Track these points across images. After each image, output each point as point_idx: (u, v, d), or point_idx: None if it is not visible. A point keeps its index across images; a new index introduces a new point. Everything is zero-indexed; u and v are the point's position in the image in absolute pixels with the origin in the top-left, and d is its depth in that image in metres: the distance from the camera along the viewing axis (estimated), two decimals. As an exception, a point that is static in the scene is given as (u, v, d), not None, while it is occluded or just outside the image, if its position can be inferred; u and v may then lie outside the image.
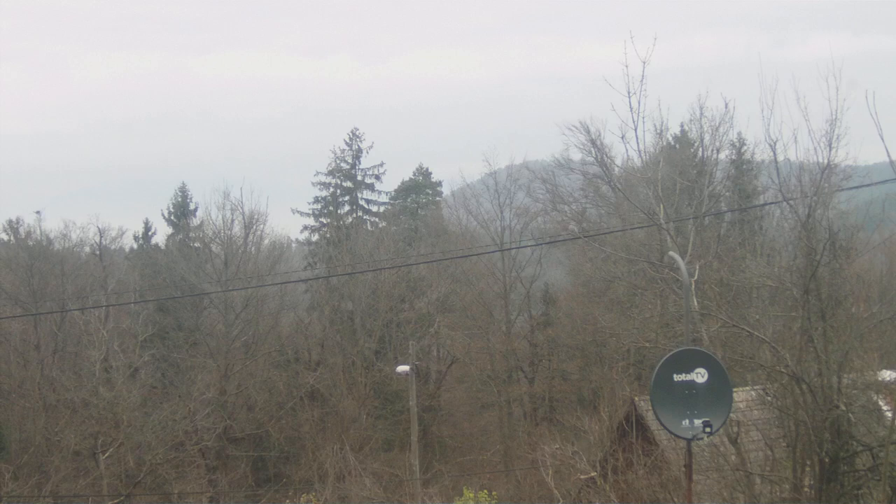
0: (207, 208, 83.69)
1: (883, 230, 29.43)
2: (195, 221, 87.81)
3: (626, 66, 31.41)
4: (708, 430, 17.85)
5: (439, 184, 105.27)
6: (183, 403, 60.39)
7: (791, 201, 27.49)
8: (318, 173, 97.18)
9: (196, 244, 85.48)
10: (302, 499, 51.87)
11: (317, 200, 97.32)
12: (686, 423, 17.95)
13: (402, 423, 69.80)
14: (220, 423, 63.05)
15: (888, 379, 26.78)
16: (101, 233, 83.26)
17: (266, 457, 70.49)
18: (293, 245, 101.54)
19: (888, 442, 24.47)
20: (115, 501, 55.99)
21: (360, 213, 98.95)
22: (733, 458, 26.64)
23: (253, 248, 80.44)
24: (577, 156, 78.28)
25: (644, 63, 31.09)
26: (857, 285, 28.02)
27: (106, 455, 55.84)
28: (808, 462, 25.22)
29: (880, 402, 26.78)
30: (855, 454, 25.35)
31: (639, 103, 32.24)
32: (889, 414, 25.61)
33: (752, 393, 28.16)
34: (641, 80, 31.52)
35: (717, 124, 59.96)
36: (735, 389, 20.86)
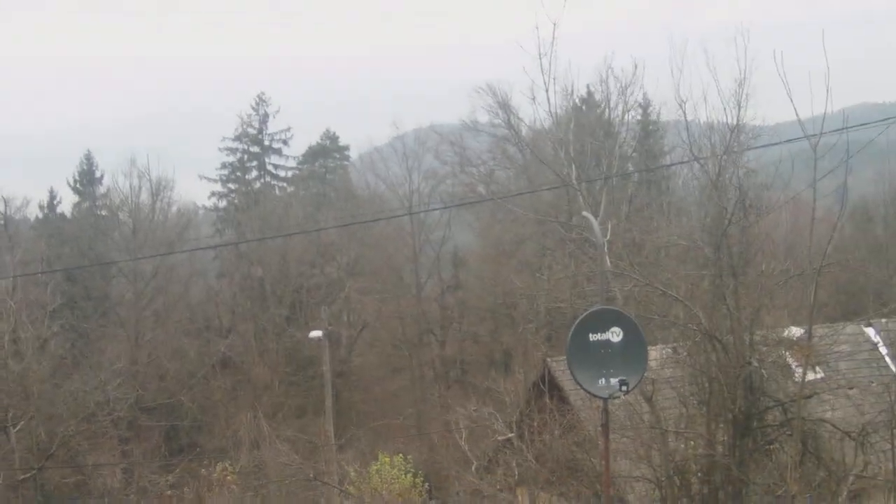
0: (114, 176, 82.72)
1: (789, 189, 29.71)
2: (102, 189, 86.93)
3: (537, 28, 31.52)
4: (624, 388, 17.91)
5: (347, 148, 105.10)
6: (94, 374, 59.76)
7: (701, 160, 27.72)
8: (224, 139, 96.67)
9: (103, 212, 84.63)
10: (217, 467, 51.76)
11: (224, 166, 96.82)
12: (602, 382, 17.99)
13: (315, 388, 69.78)
14: (131, 392, 62.48)
15: (797, 335, 27.08)
16: (6, 202, 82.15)
17: (179, 426, 70.11)
18: (201, 212, 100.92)
19: (799, 397, 24.85)
20: (28, 475, 55.45)
21: (268, 179, 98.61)
22: (648, 416, 26.83)
23: (161, 216, 79.94)
24: (484, 118, 78.43)
25: (554, 24, 31.17)
26: (766, 243, 28.27)
27: (17, 429, 55.11)
28: (722, 418, 25.52)
29: (790, 359, 27.12)
30: (767, 409, 25.67)
31: (549, 65, 32.36)
32: (799, 370, 25.95)
33: (666, 351, 28.40)
34: (552, 42, 31.61)
35: (626, 85, 60.46)
36: (649, 348, 21.00)
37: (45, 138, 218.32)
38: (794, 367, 26.83)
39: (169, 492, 54.64)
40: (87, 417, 57.74)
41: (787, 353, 26.88)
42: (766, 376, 25.33)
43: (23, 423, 55.27)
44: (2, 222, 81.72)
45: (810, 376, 26.05)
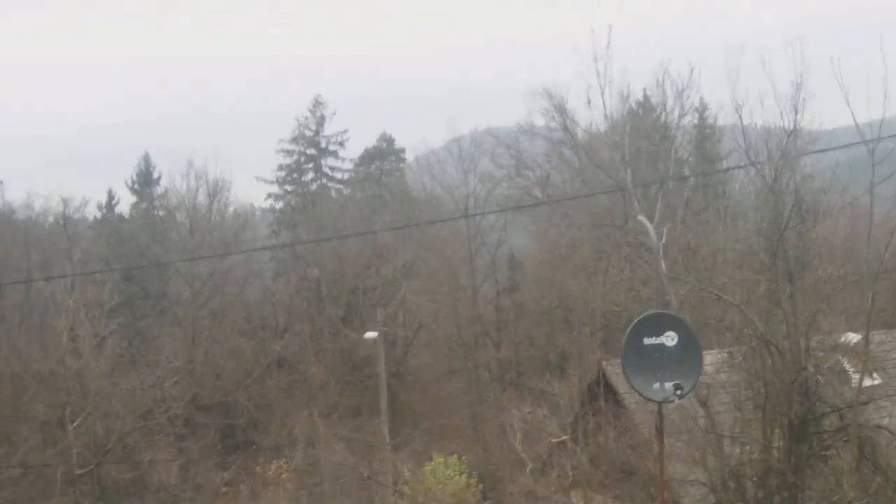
0: (171, 177, 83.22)
1: (847, 194, 29.62)
2: (159, 190, 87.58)
3: (593, 31, 31.56)
4: (678, 392, 17.90)
5: (403, 150, 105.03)
6: (151, 372, 60.28)
7: (758, 165, 27.68)
8: (281, 141, 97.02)
9: (161, 213, 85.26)
10: (272, 465, 52.12)
11: (281, 168, 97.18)
12: (657, 386, 17.99)
13: (371, 388, 69.93)
14: (188, 391, 62.97)
15: (854, 341, 26.97)
16: (65, 202, 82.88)
17: (235, 424, 70.46)
18: (258, 213, 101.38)
19: (856, 403, 24.77)
20: (85, 470, 55.99)
21: (324, 181, 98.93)
22: (703, 420, 26.82)
23: (218, 217, 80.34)
24: (540, 121, 78.36)
25: (610, 28, 31.23)
26: (824, 248, 28.20)
27: (75, 424, 55.72)
28: (777, 423, 25.46)
29: (846, 364, 27.02)
30: (823, 415, 25.58)
31: (605, 68, 32.45)
32: (856, 375, 25.86)
33: (721, 356, 28.35)
34: (607, 45, 31.67)
35: (682, 89, 60.25)
36: (704, 352, 21.00)
37: (101, 137, 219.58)
38: (850, 372, 26.73)
39: (224, 489, 55.18)
40: (144, 415, 58.29)
41: (844, 359, 26.80)
42: (823, 382, 25.26)
43: (80, 419, 55.89)
44: (62, 222, 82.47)
45: (867, 382, 25.95)
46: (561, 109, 72.25)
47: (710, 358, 26.95)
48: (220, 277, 74.34)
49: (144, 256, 75.97)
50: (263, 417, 69.16)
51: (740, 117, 27.61)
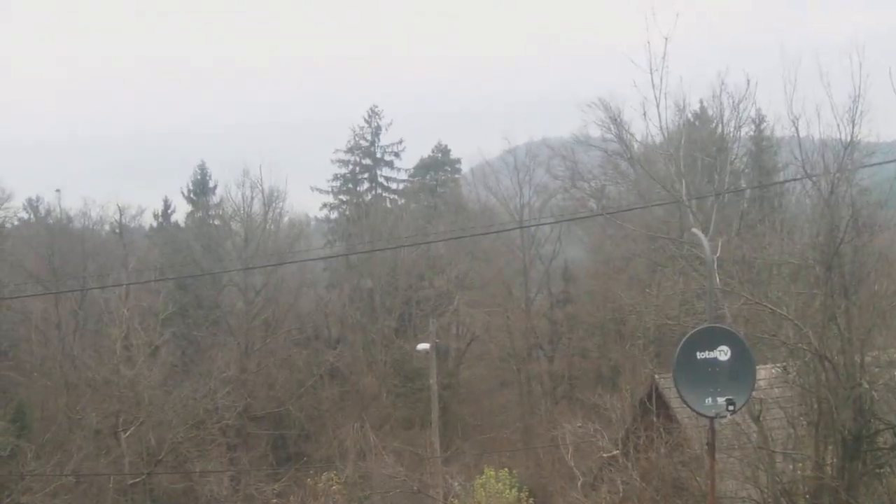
0: (227, 186, 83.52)
1: (905, 207, 29.23)
2: (215, 199, 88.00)
3: (648, 43, 31.12)
4: (731, 408, 17.71)
5: (458, 161, 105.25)
6: (203, 382, 60.41)
7: (814, 178, 27.37)
8: (337, 150, 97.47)
9: (216, 222, 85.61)
10: (323, 477, 52.03)
11: (336, 178, 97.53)
12: (709, 401, 17.82)
13: (423, 400, 69.91)
14: (240, 401, 63.12)
15: (911, 357, 26.56)
16: (121, 211, 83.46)
17: (286, 435, 70.66)
18: (312, 223, 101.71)
19: (912, 420, 24.42)
20: (137, 480, 56.17)
21: (379, 191, 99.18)
22: (755, 436, 26.54)
23: (272, 226, 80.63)
24: (595, 133, 78.05)
25: (666, 39, 30.81)
26: (880, 263, 27.78)
27: (127, 434, 55.95)
28: (831, 440, 25.13)
29: (903, 381, 26.63)
30: (877, 432, 25.23)
31: (661, 80, 31.95)
32: (912, 392, 25.47)
33: (775, 371, 28.04)
34: (663, 57, 31.24)
35: (738, 101, 59.67)
36: (757, 367, 20.73)
37: (162, 147, 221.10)
38: (906, 389, 26.35)
39: (275, 500, 55.11)
40: (197, 424, 58.41)
41: (900, 376, 26.41)
42: (878, 398, 24.87)
43: (133, 428, 56.12)
44: (117, 230, 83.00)
45: (923, 399, 25.56)
46: (616, 121, 71.81)
47: (764, 373, 26.67)
48: (273, 287, 74.55)
49: (199, 266, 76.22)
50: (315, 429, 69.29)
51: (797, 129, 27.30)
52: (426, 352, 57.02)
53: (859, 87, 25.48)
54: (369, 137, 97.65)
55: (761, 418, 26.48)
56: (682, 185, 33.37)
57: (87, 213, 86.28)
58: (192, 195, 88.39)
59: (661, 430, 32.73)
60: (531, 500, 47.63)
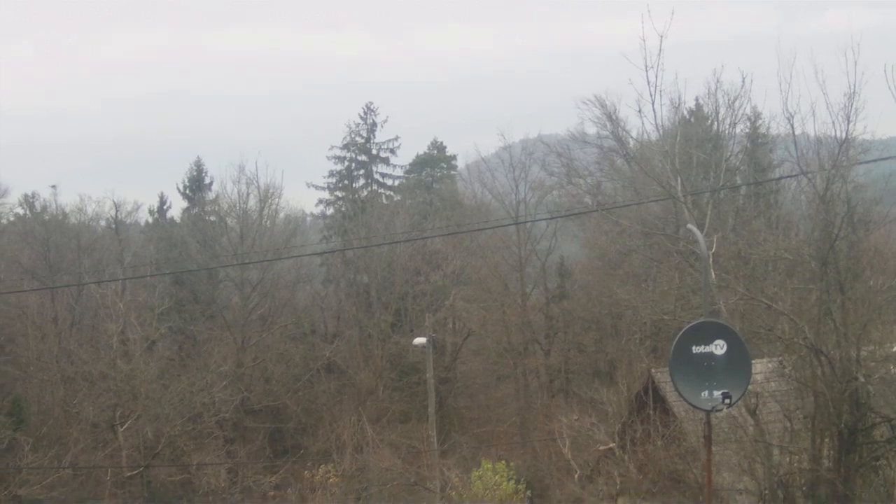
0: (223, 182, 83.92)
1: (900, 203, 29.48)
2: (210, 195, 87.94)
3: (644, 40, 31.25)
4: (727, 401, 17.89)
5: (454, 157, 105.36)
6: (200, 376, 60.59)
7: (809, 174, 27.56)
8: (332, 147, 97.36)
9: (211, 218, 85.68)
10: (321, 469, 52.23)
11: (332, 174, 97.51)
12: (705, 394, 18.00)
13: (419, 394, 70.13)
14: (237, 395, 63.20)
15: (906, 351, 26.77)
16: (117, 207, 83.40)
17: (283, 428, 70.76)
18: (308, 219, 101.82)
19: (906, 413, 24.65)
20: (134, 473, 56.40)
21: (375, 187, 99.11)
22: (752, 429, 26.74)
23: (268, 222, 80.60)
24: (591, 130, 78.31)
25: (661, 37, 30.96)
26: (875, 258, 28.02)
27: (124, 427, 56.15)
28: (827, 433, 25.36)
29: (898, 375, 26.83)
30: (873, 426, 25.47)
31: (656, 77, 32.10)
32: (907, 386, 25.69)
33: (771, 365, 28.25)
34: (658, 54, 31.39)
35: (734, 98, 59.88)
36: (753, 361, 20.93)
37: (157, 143, 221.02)
38: (902, 382, 26.56)
39: (272, 493, 55.35)
40: (193, 418, 58.62)
41: (895, 369, 26.63)
42: (873, 392, 25.11)
43: (130, 421, 56.33)
44: (113, 226, 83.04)
45: (919, 392, 25.79)
46: (612, 118, 72.11)
47: (760, 367, 26.90)
48: (269, 282, 74.64)
49: (195, 261, 76.33)
50: (312, 422, 69.37)
51: (792, 126, 27.49)
52: (423, 346, 57.17)
53: (854, 85, 25.69)
54: (365, 134, 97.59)
55: (758, 412, 26.71)
56: (678, 181, 33.56)
57: (82, 209, 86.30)
58: (187, 191, 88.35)
59: (658, 423, 32.98)
60: (528, 493, 47.83)
